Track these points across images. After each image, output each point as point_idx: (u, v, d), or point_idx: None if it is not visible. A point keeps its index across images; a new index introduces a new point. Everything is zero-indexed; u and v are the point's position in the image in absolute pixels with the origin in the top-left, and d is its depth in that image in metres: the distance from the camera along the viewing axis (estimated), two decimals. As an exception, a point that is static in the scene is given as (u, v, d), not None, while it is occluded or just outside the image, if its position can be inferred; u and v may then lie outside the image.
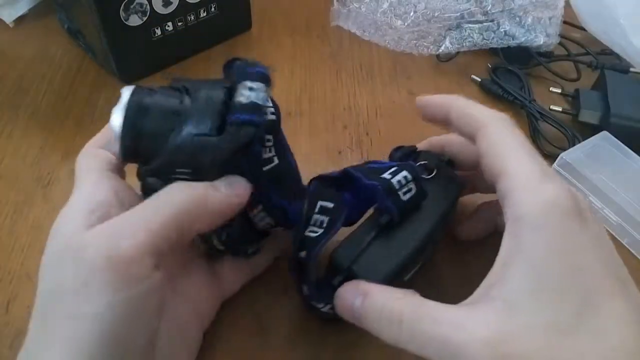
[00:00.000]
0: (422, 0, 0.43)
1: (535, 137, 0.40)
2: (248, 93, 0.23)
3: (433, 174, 0.28)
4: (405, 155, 0.29)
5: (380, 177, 0.26)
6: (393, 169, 0.26)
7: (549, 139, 0.39)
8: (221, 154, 0.22)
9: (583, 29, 0.45)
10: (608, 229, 0.34)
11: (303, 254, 0.25)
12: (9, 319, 0.29)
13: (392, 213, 0.25)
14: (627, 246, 0.34)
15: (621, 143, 0.36)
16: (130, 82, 0.42)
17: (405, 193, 0.25)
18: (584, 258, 0.20)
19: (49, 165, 0.37)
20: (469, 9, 0.43)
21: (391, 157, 0.30)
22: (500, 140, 0.24)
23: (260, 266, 0.30)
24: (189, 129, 0.22)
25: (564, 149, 0.36)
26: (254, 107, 0.23)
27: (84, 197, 0.23)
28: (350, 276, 0.25)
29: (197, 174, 0.23)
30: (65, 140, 0.38)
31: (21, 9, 0.47)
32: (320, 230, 0.25)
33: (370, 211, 0.27)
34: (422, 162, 0.28)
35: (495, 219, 0.30)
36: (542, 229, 0.21)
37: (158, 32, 0.41)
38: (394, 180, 0.25)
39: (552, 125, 0.39)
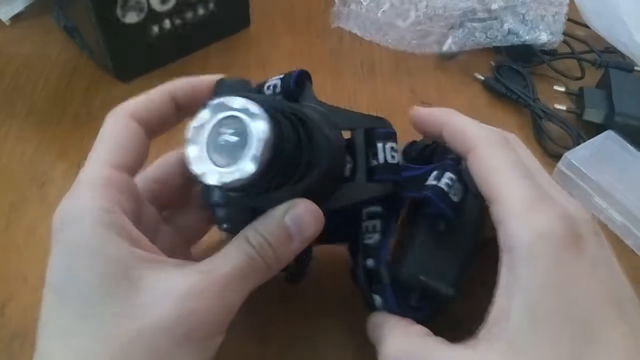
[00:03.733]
0: (424, -2, 0.42)
1: (539, 136, 0.39)
2: (385, 154, 0.25)
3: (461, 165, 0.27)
4: (420, 150, 0.29)
5: (426, 185, 0.25)
6: (435, 173, 0.25)
7: (553, 138, 0.38)
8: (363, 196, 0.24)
9: (587, 26, 0.45)
10: (612, 230, 0.34)
11: (370, 261, 0.25)
12: (4, 321, 0.28)
13: (448, 218, 0.24)
14: (632, 247, 0.33)
15: (626, 142, 0.36)
16: (127, 81, 0.42)
17: (454, 194, 0.25)
18: (578, 289, 0.20)
19: (45, 165, 0.36)
20: (472, 6, 0.42)
21: (405, 152, 0.30)
22: (490, 164, 0.23)
23: None
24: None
25: (568, 148, 0.36)
26: (394, 167, 0.25)
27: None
28: (425, 291, 0.24)
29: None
30: (61, 139, 0.38)
31: (17, 7, 0.47)
32: (377, 235, 0.25)
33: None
34: (451, 157, 0.27)
35: None
36: (535, 263, 0.20)
37: (155, 29, 0.41)
38: (442, 184, 0.24)
39: (556, 124, 0.39)
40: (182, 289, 0.20)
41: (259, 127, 0.19)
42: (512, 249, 0.21)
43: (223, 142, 0.19)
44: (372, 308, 0.25)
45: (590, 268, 0.21)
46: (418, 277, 0.24)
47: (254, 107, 0.19)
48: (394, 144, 0.26)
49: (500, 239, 0.22)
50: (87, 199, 0.21)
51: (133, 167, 0.24)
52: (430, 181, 0.25)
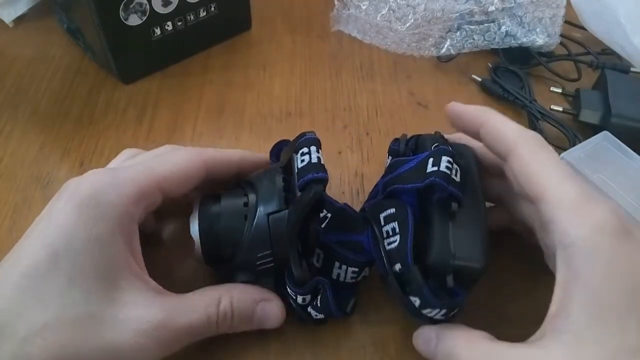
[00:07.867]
0: (422, 2, 0.43)
1: (535, 137, 0.39)
2: (303, 157, 0.26)
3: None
4: (405, 143, 0.29)
5: (427, 173, 0.25)
6: (432, 160, 0.25)
7: (550, 138, 0.39)
8: (295, 221, 0.25)
9: (583, 28, 0.45)
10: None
11: (397, 266, 0.25)
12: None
13: (459, 198, 0.25)
14: (628, 246, 0.33)
15: (622, 143, 0.36)
16: (129, 82, 0.42)
17: (456, 174, 0.25)
18: (639, 277, 0.20)
19: (48, 165, 0.37)
20: (469, 9, 0.43)
21: (391, 150, 0.30)
22: (535, 163, 0.23)
23: None
24: (260, 212, 0.26)
25: (565, 149, 0.36)
26: (314, 166, 0.26)
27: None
28: (457, 272, 0.24)
29: (278, 254, 0.25)
30: (64, 140, 0.38)
31: (20, 9, 0.47)
32: (397, 237, 0.25)
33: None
34: (437, 144, 0.27)
35: (504, 221, 0.30)
36: (595, 254, 0.20)
37: (157, 31, 0.41)
38: (443, 168, 0.25)
39: (553, 125, 0.39)
40: (144, 327, 0.22)
41: (195, 206, 0.27)
42: (568, 246, 0.21)
43: None
44: (411, 310, 0.25)
45: None
46: (448, 262, 0.24)
47: (196, 201, 0.27)
48: (304, 149, 0.27)
49: (552, 236, 0.22)
50: (124, 194, 0.23)
51: (170, 194, 0.26)
52: (430, 168, 0.25)
